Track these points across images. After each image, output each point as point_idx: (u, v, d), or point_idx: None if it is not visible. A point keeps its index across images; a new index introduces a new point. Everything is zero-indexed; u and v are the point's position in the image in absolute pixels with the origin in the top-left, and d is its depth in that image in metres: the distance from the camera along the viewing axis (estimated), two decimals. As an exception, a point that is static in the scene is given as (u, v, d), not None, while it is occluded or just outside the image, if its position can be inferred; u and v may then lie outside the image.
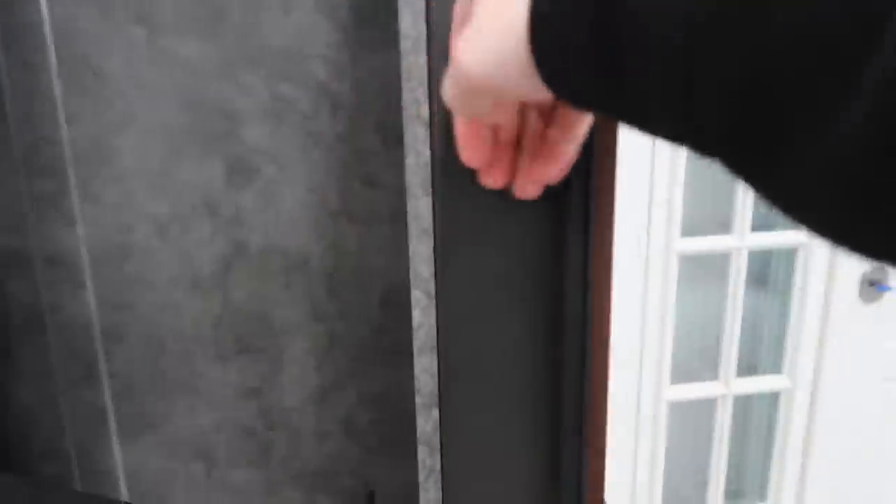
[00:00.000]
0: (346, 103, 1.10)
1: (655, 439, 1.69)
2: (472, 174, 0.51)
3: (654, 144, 1.49)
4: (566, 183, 0.53)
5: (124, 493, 1.23)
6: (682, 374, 1.71)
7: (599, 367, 0.57)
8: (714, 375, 1.71)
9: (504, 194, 0.52)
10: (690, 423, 1.87)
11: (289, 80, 1.09)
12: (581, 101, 0.40)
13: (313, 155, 1.12)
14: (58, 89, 1.06)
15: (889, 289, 1.70)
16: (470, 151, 0.49)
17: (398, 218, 1.16)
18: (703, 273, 1.75)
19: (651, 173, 1.57)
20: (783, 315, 1.71)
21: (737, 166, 0.33)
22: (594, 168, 0.53)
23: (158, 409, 1.20)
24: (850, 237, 0.29)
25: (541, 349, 0.57)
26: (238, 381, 1.20)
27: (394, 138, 1.12)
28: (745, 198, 1.53)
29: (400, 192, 1.14)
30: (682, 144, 0.36)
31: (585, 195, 0.54)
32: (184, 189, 1.11)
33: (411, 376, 1.22)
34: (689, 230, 1.58)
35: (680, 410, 1.77)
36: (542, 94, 0.40)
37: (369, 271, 1.18)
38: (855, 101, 0.25)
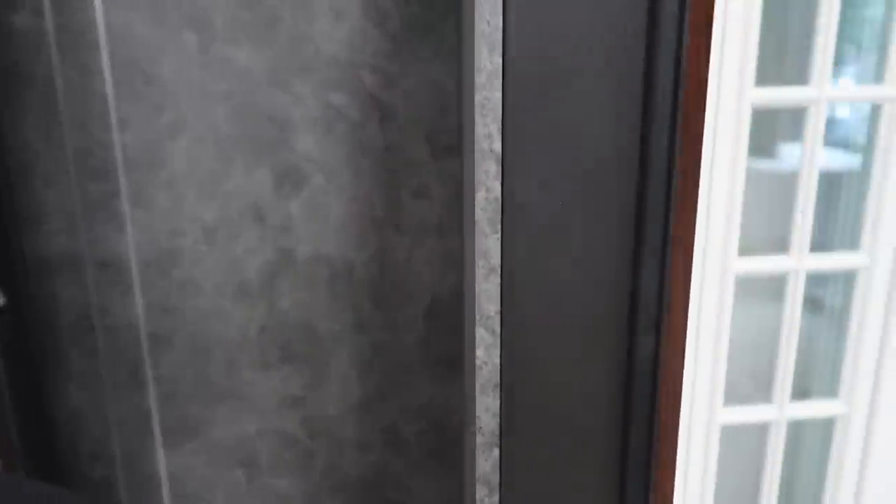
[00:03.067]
0: (396, 113, 1.09)
1: (706, 463, 1.65)
2: (542, 213, 0.50)
3: (711, 161, 1.44)
4: (639, 228, 0.51)
5: (167, 497, 1.24)
6: (732, 396, 1.66)
7: (669, 418, 0.54)
8: (764, 398, 1.66)
9: (574, 235, 0.50)
10: (742, 447, 1.82)
11: (339, 88, 1.08)
12: None
13: (361, 164, 1.11)
14: (111, 94, 1.06)
15: (954, 310, 1.62)
16: None
17: (447, 230, 1.14)
18: (751, 292, 1.70)
19: (709, 191, 1.53)
20: (838, 337, 1.65)
21: None
22: (672, 215, 0.51)
23: (202, 415, 1.20)
24: None
25: (610, 393, 0.55)
26: (281, 390, 1.19)
27: (442, 149, 1.10)
28: (803, 217, 1.48)
29: (448, 204, 1.13)
30: None
31: (663, 238, 0.51)
32: (233, 196, 1.11)
33: (456, 390, 1.20)
34: (743, 250, 1.53)
35: (730, 434, 1.72)
36: None
37: (415, 282, 1.16)
38: None
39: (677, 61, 0.51)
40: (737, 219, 1.52)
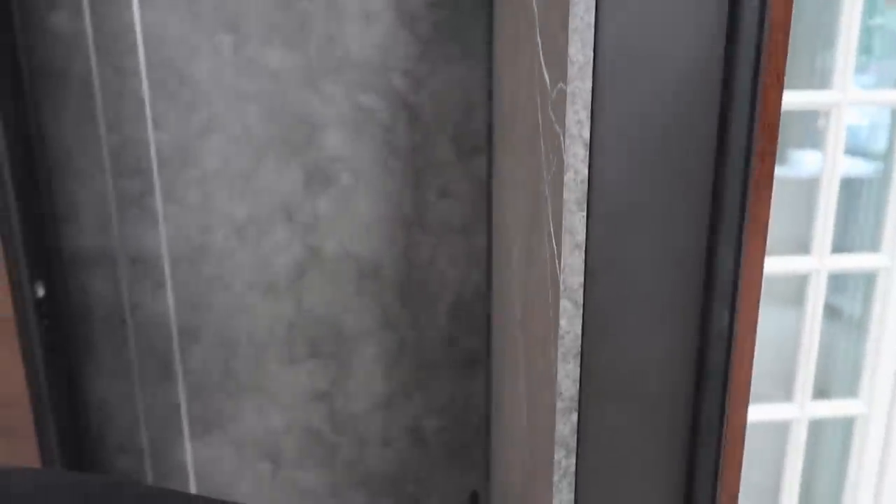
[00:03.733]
0: (424, 115, 1.11)
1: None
2: (625, 193, 0.55)
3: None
4: (718, 204, 0.54)
5: (193, 489, 1.26)
6: (752, 395, 1.67)
7: (740, 383, 0.57)
8: (784, 397, 1.67)
9: (654, 213, 0.53)
10: (761, 445, 1.83)
11: (369, 90, 1.10)
12: None
13: (389, 164, 1.13)
14: (146, 93, 1.09)
15: (972, 316, 1.63)
16: None
17: (471, 229, 1.16)
18: (772, 292, 1.71)
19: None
20: (858, 338, 1.66)
21: None
22: (750, 195, 0.53)
23: (229, 409, 1.22)
24: None
25: (684, 364, 0.58)
26: (308, 385, 1.22)
27: (468, 150, 1.12)
28: (825, 219, 1.49)
29: (473, 203, 1.14)
30: None
31: (740, 218, 0.54)
32: (263, 194, 1.13)
33: (480, 388, 1.22)
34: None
35: (751, 432, 1.73)
36: None
37: (441, 281, 1.18)
38: None
39: (757, 55, 0.54)
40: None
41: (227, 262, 1.16)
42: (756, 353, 1.68)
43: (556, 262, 0.58)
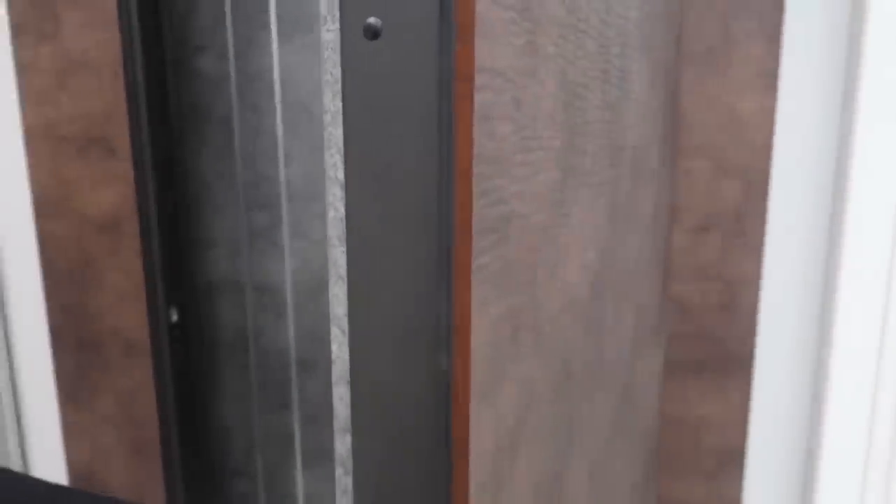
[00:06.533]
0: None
1: (894, 440, 1.58)
2: (374, 230, 0.62)
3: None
4: (438, 248, 0.61)
5: (302, 518, 1.28)
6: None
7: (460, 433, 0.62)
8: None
9: (396, 253, 0.61)
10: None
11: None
12: None
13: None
14: (280, 131, 1.14)
15: None
16: None
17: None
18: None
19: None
20: None
21: None
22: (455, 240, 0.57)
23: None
24: None
25: (422, 396, 0.64)
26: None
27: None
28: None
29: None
30: None
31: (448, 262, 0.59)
32: (383, 231, 1.16)
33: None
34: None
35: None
36: None
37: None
38: None
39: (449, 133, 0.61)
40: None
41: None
42: None
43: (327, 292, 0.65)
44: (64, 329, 1.68)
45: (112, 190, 1.49)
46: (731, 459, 1.85)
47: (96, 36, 1.37)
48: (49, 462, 1.80)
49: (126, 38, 1.08)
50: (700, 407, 1.84)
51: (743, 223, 1.73)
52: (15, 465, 1.83)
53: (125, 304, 1.48)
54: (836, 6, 1.56)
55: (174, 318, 1.10)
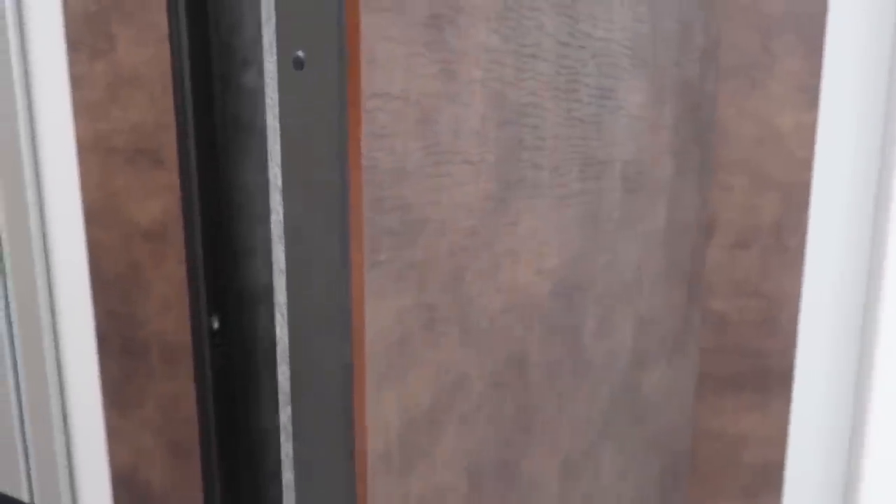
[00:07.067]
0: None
1: None
2: (303, 230, 0.73)
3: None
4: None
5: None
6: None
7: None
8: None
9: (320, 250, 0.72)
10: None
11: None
12: None
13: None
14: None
15: None
16: None
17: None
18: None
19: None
20: None
21: None
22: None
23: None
24: None
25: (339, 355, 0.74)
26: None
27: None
28: None
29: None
30: None
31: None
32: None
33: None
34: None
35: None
36: None
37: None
38: None
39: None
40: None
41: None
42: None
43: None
44: (110, 334, 1.73)
45: (159, 199, 1.54)
46: (770, 476, 1.83)
47: (147, 52, 1.42)
48: (93, 463, 1.86)
49: (175, 54, 1.12)
50: (738, 423, 1.83)
51: (783, 238, 1.71)
52: (60, 467, 1.88)
53: (169, 311, 1.52)
54: (880, 21, 1.54)
55: (215, 325, 1.13)
